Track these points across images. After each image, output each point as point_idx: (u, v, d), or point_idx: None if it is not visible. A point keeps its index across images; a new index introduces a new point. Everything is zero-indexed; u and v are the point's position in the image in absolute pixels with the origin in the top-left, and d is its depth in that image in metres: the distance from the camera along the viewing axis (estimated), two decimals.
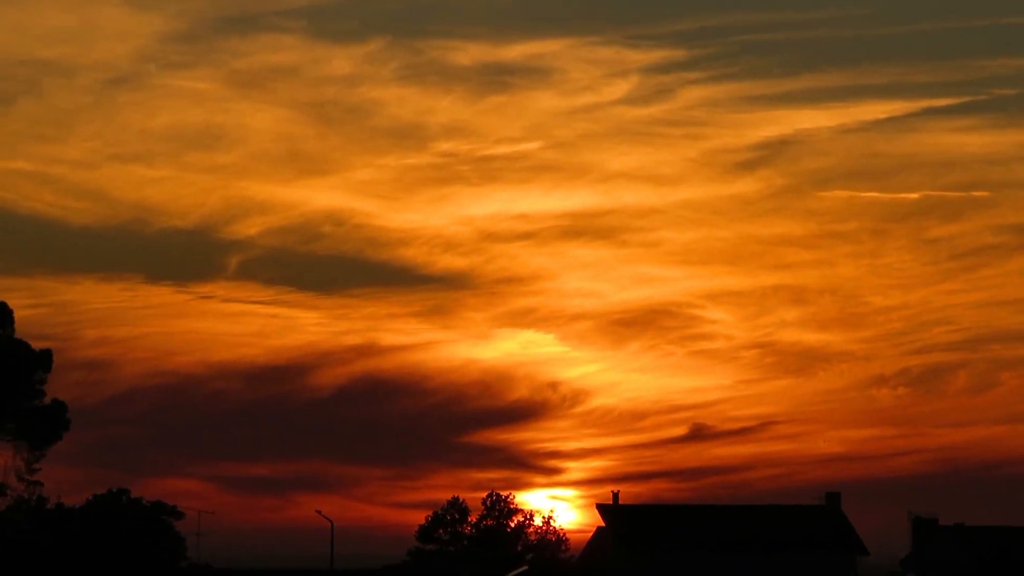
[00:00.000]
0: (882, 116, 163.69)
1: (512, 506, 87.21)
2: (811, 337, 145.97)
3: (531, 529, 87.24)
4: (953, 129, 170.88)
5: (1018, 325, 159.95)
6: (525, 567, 77.05)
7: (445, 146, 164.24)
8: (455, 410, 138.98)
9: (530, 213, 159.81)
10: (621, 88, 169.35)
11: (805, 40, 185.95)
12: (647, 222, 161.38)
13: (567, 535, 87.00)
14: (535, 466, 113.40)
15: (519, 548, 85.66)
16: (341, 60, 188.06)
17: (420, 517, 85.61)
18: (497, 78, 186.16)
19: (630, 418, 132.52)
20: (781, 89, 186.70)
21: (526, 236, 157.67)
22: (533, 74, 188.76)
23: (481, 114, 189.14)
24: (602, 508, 78.43)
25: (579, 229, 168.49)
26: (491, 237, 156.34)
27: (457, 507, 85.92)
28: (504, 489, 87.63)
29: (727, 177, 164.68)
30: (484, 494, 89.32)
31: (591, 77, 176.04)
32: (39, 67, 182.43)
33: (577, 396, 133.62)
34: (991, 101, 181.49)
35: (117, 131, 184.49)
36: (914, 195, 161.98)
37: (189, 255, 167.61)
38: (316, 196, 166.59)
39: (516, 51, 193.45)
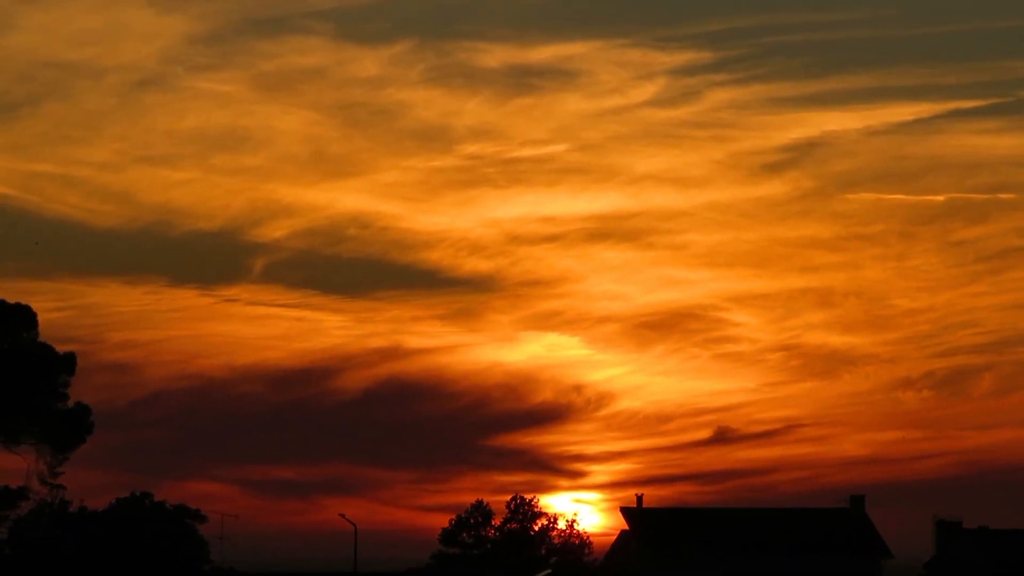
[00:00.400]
0: (909, 118, 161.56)
1: (536, 509, 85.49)
2: (837, 340, 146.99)
3: (555, 532, 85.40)
4: (980, 131, 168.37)
5: None
6: (548, 571, 77.99)
7: (471, 148, 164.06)
8: (480, 413, 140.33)
9: (556, 216, 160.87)
10: (648, 90, 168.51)
11: (832, 42, 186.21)
12: (674, 224, 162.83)
13: (591, 538, 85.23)
14: (559, 469, 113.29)
15: (543, 552, 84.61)
16: (368, 62, 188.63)
17: (444, 520, 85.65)
18: (524, 80, 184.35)
19: (655, 421, 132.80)
20: (808, 91, 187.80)
21: (552, 239, 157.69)
22: (560, 76, 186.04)
23: (507, 116, 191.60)
24: (626, 511, 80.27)
25: (605, 232, 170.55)
26: (517, 240, 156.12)
27: (481, 510, 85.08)
28: (528, 492, 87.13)
29: (754, 179, 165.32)
30: (508, 497, 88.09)
31: (618, 79, 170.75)
32: (65, 69, 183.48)
33: (602, 399, 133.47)
34: (1018, 103, 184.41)
35: (143, 133, 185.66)
36: (940, 197, 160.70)
37: (214, 258, 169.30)
38: (342, 198, 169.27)
39: (543, 53, 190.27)
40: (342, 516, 79.20)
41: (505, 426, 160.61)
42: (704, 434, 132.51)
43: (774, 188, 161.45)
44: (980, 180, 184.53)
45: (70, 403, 65.56)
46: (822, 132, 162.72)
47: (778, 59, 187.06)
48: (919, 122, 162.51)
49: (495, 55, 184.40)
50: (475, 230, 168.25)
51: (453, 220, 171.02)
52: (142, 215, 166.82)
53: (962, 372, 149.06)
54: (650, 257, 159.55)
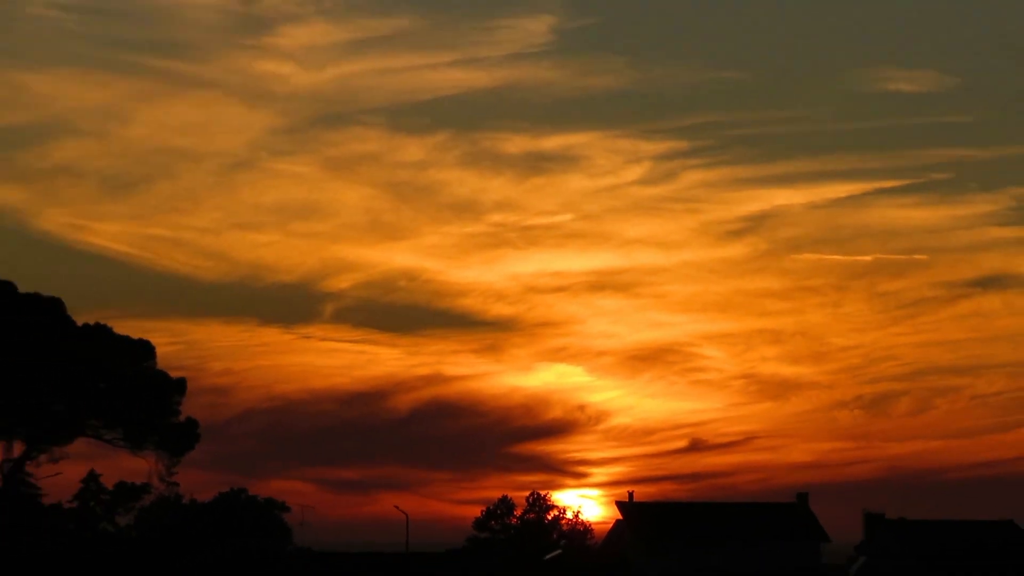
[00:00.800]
0: (843, 195, 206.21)
1: (548, 503, 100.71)
2: (786, 370, 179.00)
3: (564, 521, 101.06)
4: (899, 206, 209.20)
5: (950, 361, 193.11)
6: (559, 551, 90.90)
7: (496, 218, 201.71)
8: (504, 427, 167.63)
9: (563, 271, 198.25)
10: (636, 172, 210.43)
11: (782, 134, 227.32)
12: (656, 278, 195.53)
13: (592, 526, 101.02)
14: (567, 471, 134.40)
15: (554, 536, 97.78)
16: (414, 149, 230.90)
17: (476, 511, 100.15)
18: (538, 164, 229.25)
19: (642, 433, 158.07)
20: (763, 173, 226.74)
21: (560, 289, 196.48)
22: (566, 160, 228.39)
23: (525, 192, 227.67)
24: (620, 505, 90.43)
25: (602, 284, 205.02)
26: (533, 290, 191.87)
27: (506, 504, 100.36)
28: (542, 489, 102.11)
29: (720, 243, 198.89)
30: (526, 493, 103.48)
31: (612, 163, 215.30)
32: (173, 154, 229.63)
33: (600, 416, 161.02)
34: (930, 183, 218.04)
35: (235, 205, 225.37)
36: (868, 258, 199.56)
37: (293, 303, 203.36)
38: (394, 257, 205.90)
39: (553, 142, 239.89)
40: (396, 507, 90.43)
41: (523, 437, 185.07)
42: (681, 444, 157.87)
43: (736, 250, 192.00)
44: (899, 244, 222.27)
45: (181, 418, 77.31)
46: (774, 206, 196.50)
47: (739, 147, 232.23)
48: (851, 198, 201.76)
49: (515, 143, 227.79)
50: (499, 282, 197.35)
51: (482, 274, 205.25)
52: (236, 270, 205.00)
53: (886, 396, 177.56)
54: (638, 304, 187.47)
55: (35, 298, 77.09)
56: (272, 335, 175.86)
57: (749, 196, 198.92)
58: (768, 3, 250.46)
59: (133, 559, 76.27)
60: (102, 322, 79.05)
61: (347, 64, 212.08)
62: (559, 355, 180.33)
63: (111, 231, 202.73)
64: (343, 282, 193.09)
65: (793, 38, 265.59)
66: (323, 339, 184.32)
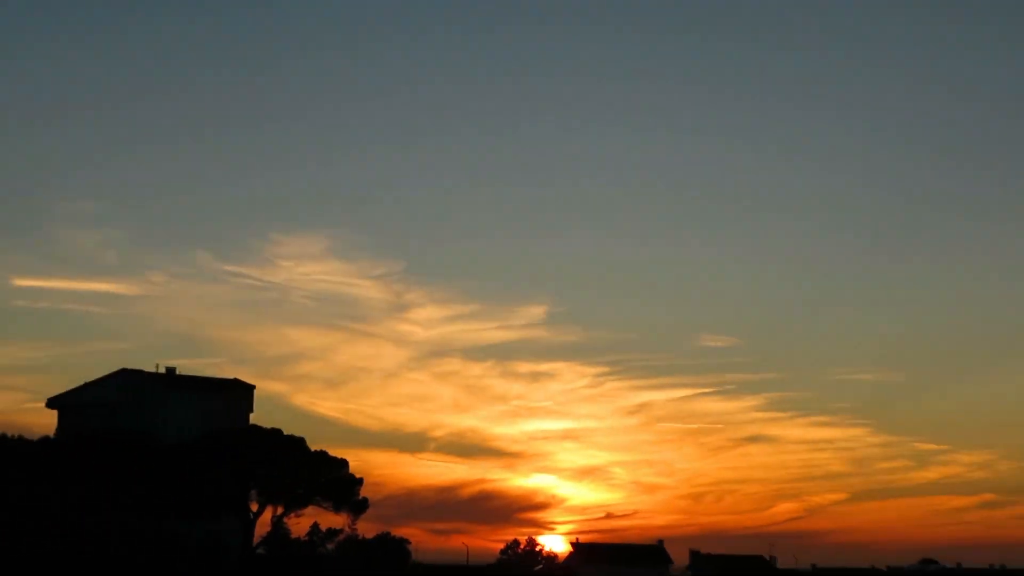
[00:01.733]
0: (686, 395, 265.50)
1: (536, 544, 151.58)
2: (650, 480, 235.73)
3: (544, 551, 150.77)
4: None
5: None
6: (540, 566, 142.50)
7: (516, 402, 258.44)
8: (513, 504, 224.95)
9: (545, 431, 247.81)
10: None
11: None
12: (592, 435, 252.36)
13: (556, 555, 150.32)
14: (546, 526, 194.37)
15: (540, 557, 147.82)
16: (479, 368, 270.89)
17: (501, 545, 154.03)
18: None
19: (580, 509, 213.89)
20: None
21: (544, 439, 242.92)
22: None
23: (530, 391, 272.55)
24: (573, 544, 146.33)
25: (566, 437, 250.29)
26: (532, 438, 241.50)
27: (515, 542, 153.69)
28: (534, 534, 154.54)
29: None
30: (526, 537, 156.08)
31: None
32: (360, 370, 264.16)
33: (562, 500, 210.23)
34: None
35: (392, 394, 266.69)
36: (695, 426, 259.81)
37: (415, 442, 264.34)
38: (463, 421, 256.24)
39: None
40: (464, 544, 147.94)
41: (523, 509, 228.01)
42: (603, 514, 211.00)
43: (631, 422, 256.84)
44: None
45: (359, 496, 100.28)
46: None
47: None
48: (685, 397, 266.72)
49: (520, 367, 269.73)
50: (515, 434, 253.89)
51: (507, 431, 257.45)
52: (398, 427, 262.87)
53: (701, 494, 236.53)
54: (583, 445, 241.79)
55: (291, 438, 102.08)
56: (403, 458, 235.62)
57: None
58: None
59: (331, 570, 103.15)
60: (326, 450, 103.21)
61: (444, 326, 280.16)
62: (541, 469, 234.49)
63: (329, 405, 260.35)
64: (439, 432, 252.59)
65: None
66: (429, 461, 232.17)
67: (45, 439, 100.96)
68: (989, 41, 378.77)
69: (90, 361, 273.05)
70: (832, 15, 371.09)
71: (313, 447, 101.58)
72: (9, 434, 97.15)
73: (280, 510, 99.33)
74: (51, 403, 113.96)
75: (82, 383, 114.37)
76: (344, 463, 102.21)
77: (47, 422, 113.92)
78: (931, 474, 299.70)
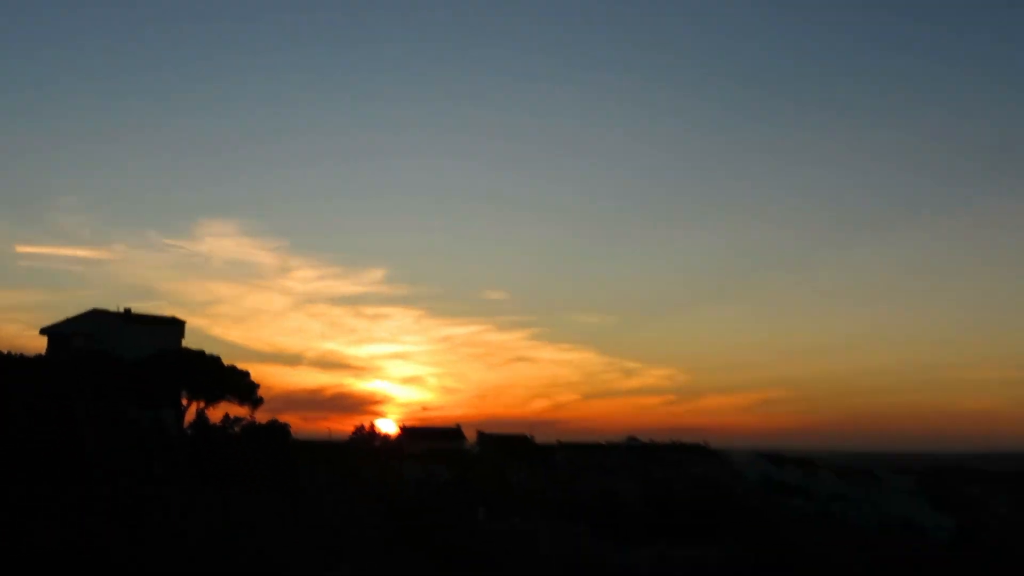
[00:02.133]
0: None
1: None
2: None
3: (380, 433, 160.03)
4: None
5: None
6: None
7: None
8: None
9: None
10: None
11: None
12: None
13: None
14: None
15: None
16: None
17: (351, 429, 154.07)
18: None
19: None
20: None
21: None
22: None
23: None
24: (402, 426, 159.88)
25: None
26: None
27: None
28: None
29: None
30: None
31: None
32: None
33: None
34: None
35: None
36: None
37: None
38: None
39: None
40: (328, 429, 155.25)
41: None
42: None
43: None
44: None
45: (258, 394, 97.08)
46: None
47: None
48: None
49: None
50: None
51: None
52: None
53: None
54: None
55: (210, 356, 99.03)
56: (285, 370, 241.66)
57: None
58: None
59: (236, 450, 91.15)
60: (235, 364, 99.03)
61: (315, 283, 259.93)
62: (380, 378, 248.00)
63: (236, 335, 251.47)
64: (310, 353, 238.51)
65: None
66: (303, 371, 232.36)
67: (39, 356, 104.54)
68: None
69: (71, 303, 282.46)
70: None
71: (226, 363, 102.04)
72: (13, 352, 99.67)
73: (202, 404, 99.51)
74: (43, 331, 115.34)
75: (64, 319, 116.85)
76: (246, 373, 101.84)
77: (40, 345, 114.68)
78: (634, 383, 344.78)
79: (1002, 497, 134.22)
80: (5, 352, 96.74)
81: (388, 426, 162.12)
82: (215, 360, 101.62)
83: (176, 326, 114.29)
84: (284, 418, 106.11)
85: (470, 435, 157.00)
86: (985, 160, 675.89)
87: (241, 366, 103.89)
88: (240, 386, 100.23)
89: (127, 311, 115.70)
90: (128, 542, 49.63)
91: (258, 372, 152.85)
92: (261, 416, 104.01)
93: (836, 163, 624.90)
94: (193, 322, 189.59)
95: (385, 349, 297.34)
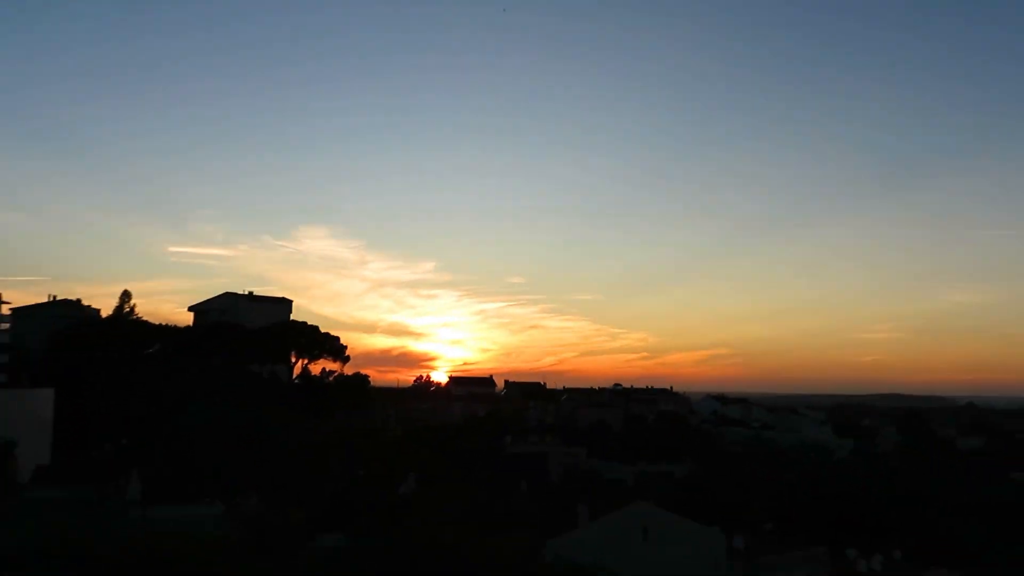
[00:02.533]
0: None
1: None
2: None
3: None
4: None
5: None
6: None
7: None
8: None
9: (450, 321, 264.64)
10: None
11: None
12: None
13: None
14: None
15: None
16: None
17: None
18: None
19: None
20: None
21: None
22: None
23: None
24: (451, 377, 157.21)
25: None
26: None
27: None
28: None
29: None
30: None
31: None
32: None
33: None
34: None
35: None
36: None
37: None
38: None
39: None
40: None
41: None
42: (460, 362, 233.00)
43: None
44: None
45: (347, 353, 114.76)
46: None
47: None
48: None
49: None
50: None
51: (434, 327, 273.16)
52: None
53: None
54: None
55: (310, 325, 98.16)
56: (364, 336, 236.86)
57: None
58: None
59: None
60: (329, 332, 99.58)
61: (384, 273, 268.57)
62: (433, 341, 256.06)
63: (329, 311, 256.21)
64: (382, 324, 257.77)
65: None
66: (377, 336, 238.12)
67: (187, 327, 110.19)
68: None
69: (209, 288, 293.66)
70: None
71: (322, 331, 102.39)
72: (170, 324, 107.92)
73: (305, 361, 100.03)
74: (189, 308, 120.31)
75: (204, 299, 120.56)
76: (337, 338, 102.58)
77: (187, 319, 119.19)
78: (617, 344, 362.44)
79: (891, 431, 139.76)
80: (164, 324, 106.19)
81: (439, 376, 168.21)
82: (314, 329, 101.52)
83: (286, 304, 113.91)
84: (364, 371, 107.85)
85: (499, 383, 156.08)
86: (880, 170, 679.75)
87: (333, 333, 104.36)
88: (333, 348, 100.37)
89: (250, 293, 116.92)
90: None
91: (345, 337, 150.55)
92: (348, 370, 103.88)
93: (758, 173, 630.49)
94: (297, 301, 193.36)
95: (436, 320, 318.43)
